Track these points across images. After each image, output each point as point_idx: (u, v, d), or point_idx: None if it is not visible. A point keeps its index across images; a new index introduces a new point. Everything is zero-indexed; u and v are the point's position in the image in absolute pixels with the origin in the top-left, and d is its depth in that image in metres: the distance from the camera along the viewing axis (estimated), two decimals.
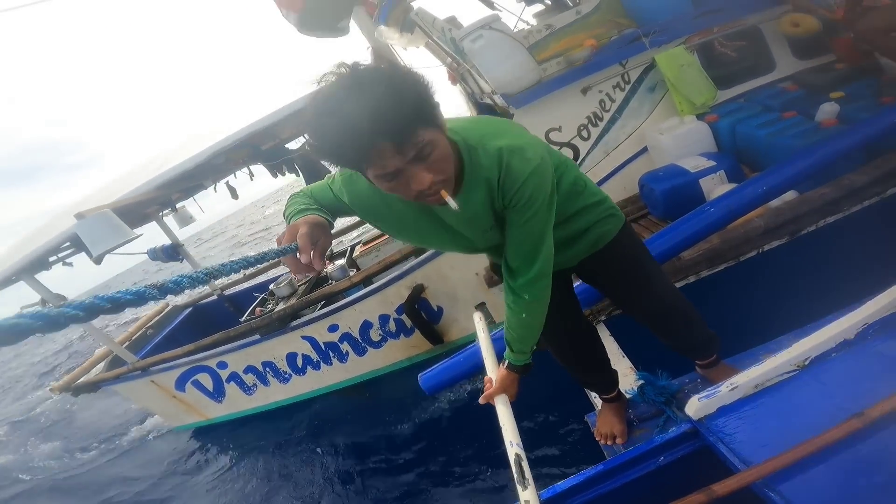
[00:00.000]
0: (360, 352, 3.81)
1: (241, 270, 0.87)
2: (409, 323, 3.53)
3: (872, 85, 2.76)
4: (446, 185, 0.92)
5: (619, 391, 1.71)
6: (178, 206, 5.18)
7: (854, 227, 2.19)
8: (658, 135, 2.98)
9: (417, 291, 3.43)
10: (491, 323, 2.86)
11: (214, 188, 5.06)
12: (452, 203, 0.91)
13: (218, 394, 4.45)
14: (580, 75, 3.03)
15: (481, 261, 3.26)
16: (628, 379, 1.87)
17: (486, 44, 2.97)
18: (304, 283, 4.67)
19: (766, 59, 3.28)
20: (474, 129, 1.05)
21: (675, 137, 2.90)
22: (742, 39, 3.26)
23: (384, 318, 3.65)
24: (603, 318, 2.36)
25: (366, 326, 3.69)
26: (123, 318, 13.66)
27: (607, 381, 1.68)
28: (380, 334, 3.72)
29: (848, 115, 2.50)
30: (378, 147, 0.81)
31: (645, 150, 3.21)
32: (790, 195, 2.28)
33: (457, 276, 3.43)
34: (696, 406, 1.16)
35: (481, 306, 3.36)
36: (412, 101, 0.81)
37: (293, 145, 5.12)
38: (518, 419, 1.25)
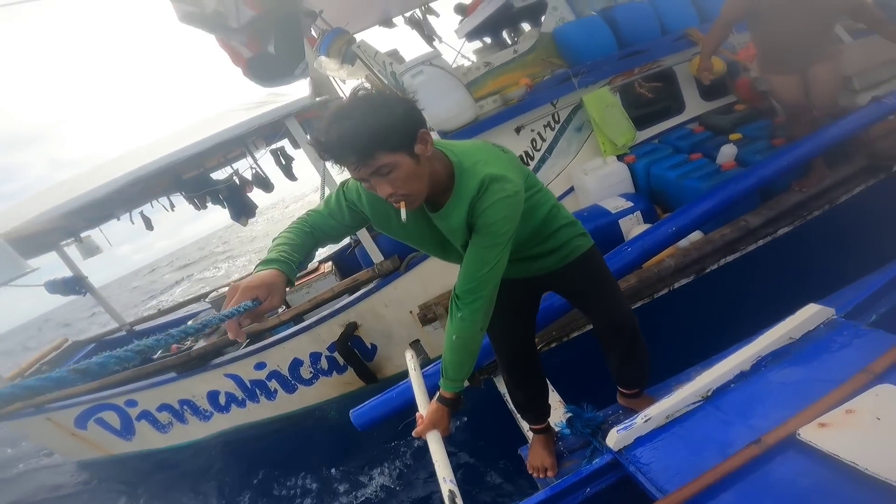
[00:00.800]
0: (290, 389, 3.72)
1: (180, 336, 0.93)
2: (341, 360, 3.50)
3: (767, 126, 3.17)
4: (406, 199, 1.12)
5: (549, 424, 1.82)
6: (83, 235, 4.78)
7: (750, 264, 2.47)
8: (583, 175, 3.22)
9: (351, 329, 3.42)
10: (424, 359, 2.89)
11: (130, 218, 4.74)
12: (403, 214, 1.12)
13: (127, 432, 4.16)
14: (514, 114, 3.21)
15: (415, 300, 3.33)
16: (557, 412, 1.97)
17: (426, 80, 3.08)
18: None
19: (677, 100, 3.66)
20: (473, 154, 1.24)
21: (598, 178, 3.15)
22: (658, 81, 3.60)
23: (315, 356, 3.60)
24: (541, 346, 2.42)
25: (296, 364, 3.62)
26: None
27: (543, 409, 1.79)
28: (311, 372, 3.65)
29: (745, 157, 2.86)
30: (346, 160, 1.06)
31: (572, 189, 3.43)
32: (696, 235, 2.55)
33: (391, 315, 3.46)
34: (615, 438, 1.24)
35: (415, 343, 3.39)
36: (381, 127, 1.03)
37: (219, 175, 4.94)
38: (455, 453, 1.28)
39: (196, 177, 4.55)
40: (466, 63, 4.99)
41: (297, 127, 3.47)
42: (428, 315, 3.16)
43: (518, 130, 3.27)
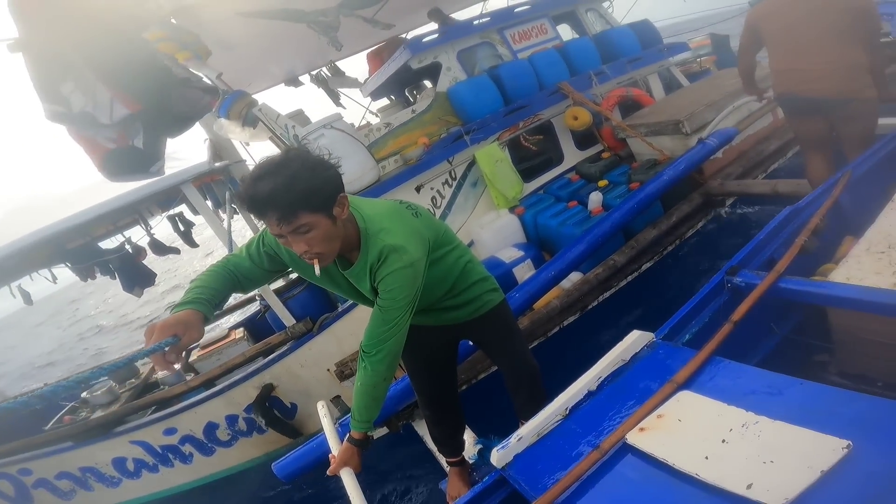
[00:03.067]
0: (207, 452, 3.69)
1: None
2: (261, 421, 3.55)
3: (626, 171, 3.78)
4: (319, 257, 1.26)
5: (464, 457, 2.11)
6: None
7: (624, 297, 2.99)
8: (480, 229, 3.63)
9: (267, 391, 3.49)
10: (345, 411, 3.05)
11: (10, 290, 4.43)
12: (317, 269, 1.27)
13: (24, 499, 3.83)
14: (414, 173, 3.54)
15: (331, 358, 3.49)
16: (471, 447, 2.24)
17: (328, 142, 3.31)
18: (128, 390, 4.35)
19: (557, 151, 4.25)
20: (379, 220, 1.41)
21: (493, 231, 3.56)
22: (540, 134, 4.13)
23: (232, 418, 3.61)
24: None
25: (211, 427, 3.61)
26: None
27: (458, 443, 2.07)
28: (229, 434, 3.65)
29: (609, 202, 3.43)
30: (267, 216, 1.18)
31: (472, 242, 3.79)
32: (577, 276, 3.02)
33: (308, 374, 3.58)
34: (497, 456, 1.41)
35: (336, 399, 3.54)
36: (305, 190, 1.17)
37: (109, 244, 4.78)
38: (378, 488, 1.48)
39: (82, 246, 4.40)
40: (375, 120, 5.38)
41: (194, 193, 3.56)
42: (345, 371, 3.33)
43: (418, 189, 3.60)
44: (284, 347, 3.51)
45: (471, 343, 2.04)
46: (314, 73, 6.02)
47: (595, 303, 2.98)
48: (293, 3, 3.53)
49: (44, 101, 2.87)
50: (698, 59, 8.74)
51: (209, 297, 1.35)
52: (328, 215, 1.24)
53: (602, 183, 3.73)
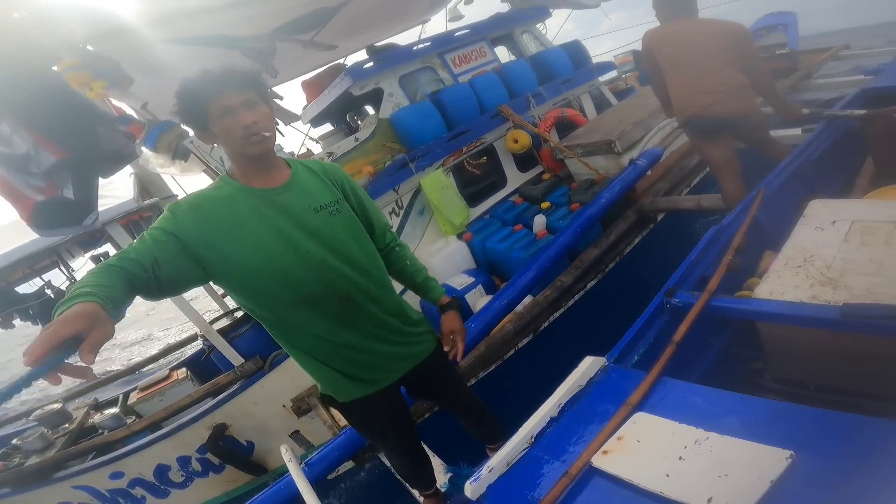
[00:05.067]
0: (160, 494, 3.56)
1: None
2: (217, 460, 3.45)
3: (566, 192, 3.94)
4: (264, 138, 1.32)
5: (437, 488, 2.11)
6: None
7: (573, 316, 3.12)
8: (430, 258, 3.66)
9: (220, 430, 3.40)
10: (309, 447, 2.99)
11: None
12: (257, 147, 1.32)
13: None
14: None
15: (286, 394, 3.40)
16: (441, 475, 2.26)
17: None
18: (62, 436, 4.11)
19: (500, 175, 4.38)
20: None
21: (443, 259, 3.62)
22: (483, 157, 4.22)
23: (184, 460, 3.49)
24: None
25: (162, 469, 3.47)
26: None
27: (428, 477, 2.08)
28: (182, 475, 3.53)
29: (553, 224, 3.58)
30: (225, 87, 1.27)
31: None
32: (528, 299, 3.13)
33: (263, 412, 3.47)
34: (470, 489, 1.42)
35: (295, 434, 3.46)
36: (255, 73, 1.34)
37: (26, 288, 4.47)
38: None
39: None
40: (316, 147, 5.30)
41: (121, 233, 3.40)
42: (302, 407, 3.28)
43: None
44: (235, 387, 3.41)
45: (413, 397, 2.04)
46: None
47: (546, 323, 3.10)
48: (225, 30, 3.46)
49: None
50: (623, 76, 9.38)
51: (105, 293, 1.04)
52: (270, 108, 1.37)
53: (545, 205, 3.89)
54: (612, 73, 8.56)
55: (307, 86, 5.35)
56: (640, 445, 1.33)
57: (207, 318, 4.09)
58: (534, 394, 2.70)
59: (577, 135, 4.42)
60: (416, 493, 2.20)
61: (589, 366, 1.71)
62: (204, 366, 4.50)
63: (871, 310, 1.48)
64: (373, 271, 1.55)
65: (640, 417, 1.42)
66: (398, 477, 2.28)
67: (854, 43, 6.29)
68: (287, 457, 1.83)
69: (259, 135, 1.31)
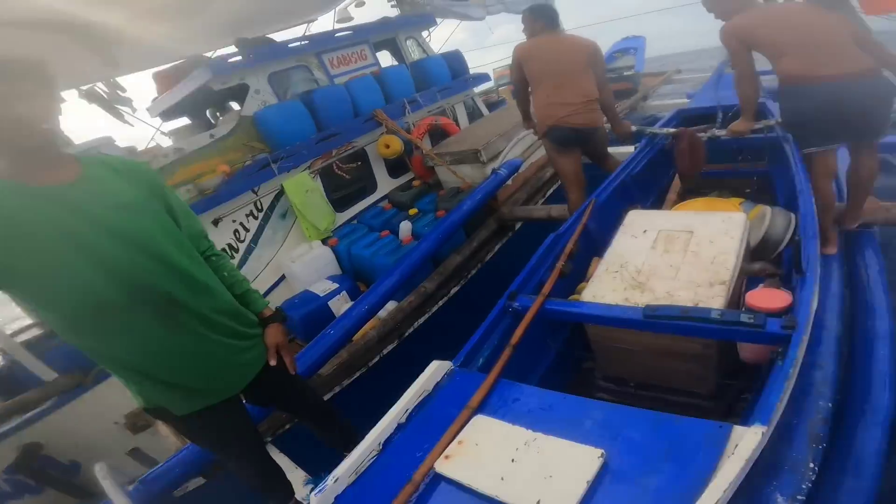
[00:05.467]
0: None
1: None
2: (31, 482, 2.96)
3: (434, 199, 4.04)
4: (44, 132, 1.19)
5: (296, 499, 2.00)
6: None
7: (437, 321, 3.19)
8: (291, 263, 3.51)
9: (32, 450, 2.94)
10: (155, 465, 2.67)
11: None
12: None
13: None
14: (212, 205, 3.24)
15: (118, 409, 3.05)
16: (305, 488, 2.15)
17: None
18: None
19: (371, 180, 4.35)
20: None
21: (305, 264, 3.48)
22: (354, 162, 4.15)
23: None
24: (269, 438, 2.56)
25: None
26: None
27: (285, 490, 1.97)
28: None
29: (418, 230, 3.64)
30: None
31: (283, 277, 3.65)
32: (392, 305, 3.13)
33: (89, 430, 3.08)
34: (316, 501, 1.38)
35: (135, 451, 3.11)
36: (34, 65, 1.18)
37: None
38: None
39: None
40: (169, 142, 4.80)
41: None
42: (138, 423, 2.98)
43: (216, 222, 3.32)
44: (47, 404, 2.97)
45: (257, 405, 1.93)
46: (85, 88, 5.16)
47: (411, 329, 3.13)
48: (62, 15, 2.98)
49: None
50: (498, 89, 9.91)
51: None
52: (53, 98, 1.25)
53: (412, 211, 3.93)
54: (488, 85, 9.01)
55: (160, 77, 4.84)
56: (479, 449, 1.38)
57: (17, 325, 3.53)
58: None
59: (448, 143, 4.56)
60: None
61: (435, 370, 1.74)
62: (8, 379, 3.86)
63: (666, 311, 1.71)
64: (195, 269, 1.44)
65: (480, 420, 1.48)
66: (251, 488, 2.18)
67: (688, 66, 7.23)
68: (101, 475, 1.61)
69: (29, 128, 1.17)
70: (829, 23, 2.17)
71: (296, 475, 2.26)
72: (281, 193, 3.66)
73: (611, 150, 3.36)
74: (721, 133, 2.89)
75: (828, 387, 1.66)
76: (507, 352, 1.78)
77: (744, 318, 1.57)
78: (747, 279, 2.12)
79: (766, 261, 2.28)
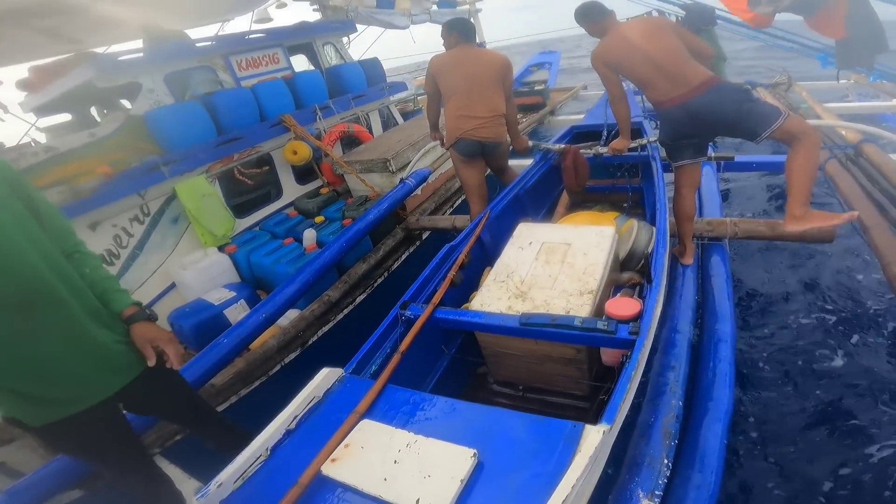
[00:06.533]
0: None
1: None
2: None
3: (342, 207, 4.01)
4: None
5: None
6: None
7: (342, 330, 3.17)
8: (182, 270, 3.31)
9: None
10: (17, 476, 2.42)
11: None
12: None
13: None
14: (88, 207, 2.99)
15: None
16: (192, 498, 2.04)
17: None
18: None
19: (276, 186, 4.23)
20: None
21: (198, 272, 3.30)
22: (259, 167, 4.02)
23: None
24: (158, 449, 2.44)
25: None
26: None
27: (175, 502, 1.86)
28: None
29: (324, 238, 3.60)
30: None
31: (173, 285, 3.45)
32: (294, 313, 3.07)
33: None
34: None
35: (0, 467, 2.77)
36: None
37: None
38: None
39: None
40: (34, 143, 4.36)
41: None
42: (3, 436, 2.66)
43: (94, 227, 3.08)
44: None
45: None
46: None
47: (315, 338, 3.09)
48: None
49: None
50: (415, 98, 10.01)
51: None
52: None
53: (319, 219, 3.88)
54: (405, 93, 9.09)
55: (37, 72, 4.38)
56: (364, 451, 1.42)
57: None
58: None
59: (359, 151, 4.57)
60: None
61: (325, 377, 1.78)
62: None
63: (538, 318, 1.86)
64: (57, 270, 1.38)
65: (366, 424, 1.53)
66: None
67: (596, 80, 7.74)
68: None
69: None
70: (668, 44, 2.39)
71: (187, 486, 2.18)
72: (172, 198, 3.45)
73: (511, 162, 3.55)
74: (603, 150, 3.12)
75: (679, 386, 1.83)
76: (395, 358, 1.84)
77: (600, 325, 1.77)
78: (614, 288, 2.35)
79: (633, 271, 2.54)
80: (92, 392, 1.49)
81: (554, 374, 2.22)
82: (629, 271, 2.53)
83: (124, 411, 1.70)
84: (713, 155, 3.26)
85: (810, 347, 2.94)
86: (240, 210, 3.88)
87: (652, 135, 3.17)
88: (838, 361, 2.81)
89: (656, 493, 1.38)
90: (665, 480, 1.43)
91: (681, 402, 1.75)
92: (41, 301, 1.33)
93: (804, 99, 5.60)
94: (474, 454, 1.32)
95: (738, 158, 3.60)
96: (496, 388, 2.43)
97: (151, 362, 1.54)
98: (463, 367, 2.49)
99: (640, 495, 1.37)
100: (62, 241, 1.48)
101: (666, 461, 1.49)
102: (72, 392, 1.44)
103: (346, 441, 1.47)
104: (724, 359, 2.11)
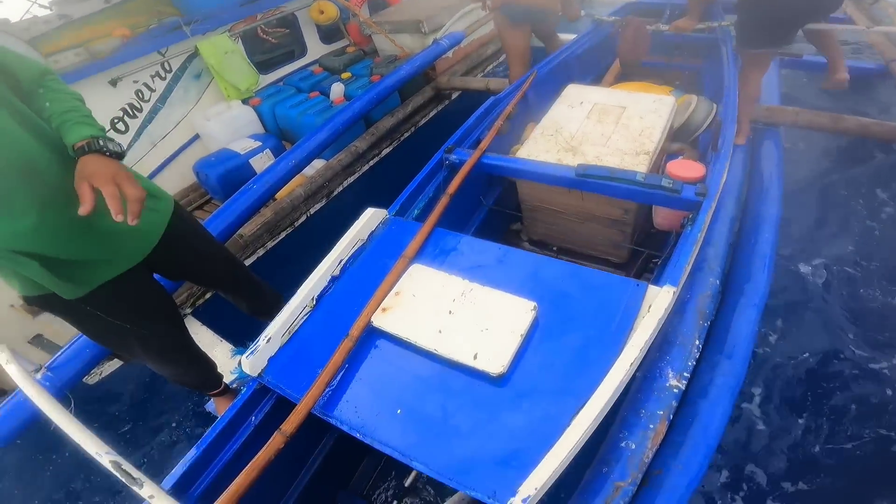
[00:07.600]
0: None
1: None
2: None
3: (369, 65, 3.85)
4: None
5: (226, 385, 1.88)
6: None
7: (367, 181, 3.11)
8: (206, 121, 3.20)
9: None
10: (54, 350, 2.48)
11: None
12: None
13: None
14: (107, 66, 2.85)
15: (6, 290, 2.68)
16: (232, 360, 2.05)
17: None
18: None
19: (300, 45, 3.98)
20: None
21: (223, 123, 3.19)
22: (282, 27, 3.78)
23: None
24: (188, 310, 2.45)
25: None
26: None
27: (213, 377, 1.84)
28: None
29: (351, 92, 3.43)
30: None
31: (197, 137, 3.35)
32: (320, 163, 2.99)
33: None
34: (248, 364, 1.31)
35: (37, 339, 2.83)
36: None
37: None
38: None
39: None
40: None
41: None
42: (36, 308, 2.67)
43: (115, 83, 2.92)
44: None
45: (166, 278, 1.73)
46: None
47: (340, 188, 3.05)
48: None
49: None
50: None
51: None
52: None
53: (346, 75, 3.68)
54: None
55: None
56: (416, 300, 1.34)
57: None
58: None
59: (388, 13, 4.27)
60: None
61: (370, 218, 1.68)
62: None
63: (596, 171, 1.79)
64: (49, 130, 1.20)
65: (416, 269, 1.43)
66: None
67: None
68: (4, 359, 1.36)
69: None
70: None
71: (221, 348, 2.16)
72: (195, 55, 3.25)
73: (560, 35, 3.31)
74: (665, 28, 3.02)
75: (718, 264, 1.71)
76: (444, 200, 1.76)
77: (665, 182, 1.69)
78: (666, 156, 2.25)
79: (683, 143, 2.43)
80: (123, 256, 1.38)
81: (593, 237, 2.20)
82: (679, 142, 2.42)
83: (155, 275, 1.58)
84: (789, 50, 3.01)
85: None
86: (263, 66, 3.68)
87: (724, 18, 2.94)
88: None
89: (685, 374, 1.30)
90: (694, 362, 1.35)
91: (718, 281, 1.64)
92: (44, 160, 1.17)
93: (890, 16, 5.08)
94: (534, 307, 1.25)
95: (806, 57, 3.32)
96: (528, 246, 2.41)
97: (86, 208, 1.07)
98: (497, 223, 2.46)
99: (670, 374, 1.29)
100: (38, 81, 1.23)
101: (697, 342, 1.40)
102: (103, 254, 1.33)
103: (396, 288, 1.38)
104: (766, 241, 1.95)
